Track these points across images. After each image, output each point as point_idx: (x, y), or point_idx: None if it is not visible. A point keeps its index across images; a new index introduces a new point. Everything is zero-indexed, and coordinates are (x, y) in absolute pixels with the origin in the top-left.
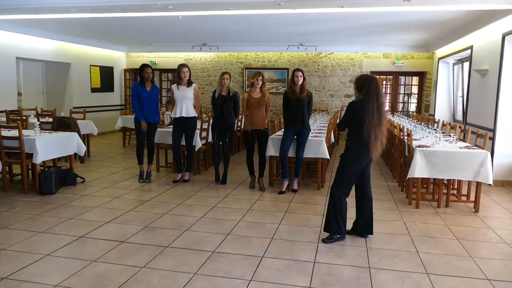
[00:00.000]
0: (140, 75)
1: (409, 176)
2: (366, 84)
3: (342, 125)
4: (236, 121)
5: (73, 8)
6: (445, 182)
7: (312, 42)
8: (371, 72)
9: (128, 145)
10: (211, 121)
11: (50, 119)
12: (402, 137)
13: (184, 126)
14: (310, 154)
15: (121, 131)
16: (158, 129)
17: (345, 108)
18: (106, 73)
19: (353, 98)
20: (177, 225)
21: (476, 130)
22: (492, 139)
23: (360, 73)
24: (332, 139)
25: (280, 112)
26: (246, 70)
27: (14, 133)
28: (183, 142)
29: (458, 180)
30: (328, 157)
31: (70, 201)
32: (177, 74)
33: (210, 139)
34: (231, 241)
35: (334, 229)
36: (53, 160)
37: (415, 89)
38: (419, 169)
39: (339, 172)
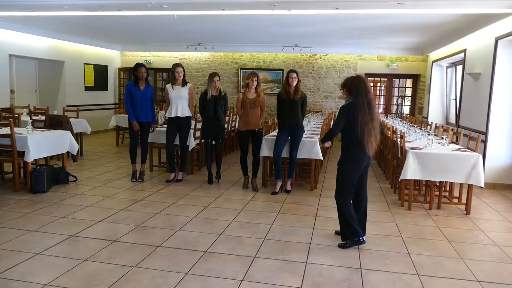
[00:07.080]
0: (134, 74)
1: (401, 178)
2: (354, 84)
3: (336, 128)
4: (225, 119)
5: (67, 5)
6: (437, 184)
7: (307, 44)
8: (366, 74)
9: (122, 144)
10: None
11: (43, 117)
12: (395, 139)
13: (179, 126)
14: (303, 155)
15: (115, 130)
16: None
17: (326, 145)
18: (100, 71)
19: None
20: (169, 224)
21: (468, 133)
22: (484, 141)
23: (355, 75)
24: None
25: (274, 113)
26: (241, 71)
27: (6, 130)
28: (176, 142)
29: (450, 182)
30: (322, 158)
31: (62, 200)
32: (171, 74)
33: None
34: (223, 241)
35: (350, 235)
36: (45, 158)
37: (409, 92)
38: (411, 171)
39: (339, 180)
